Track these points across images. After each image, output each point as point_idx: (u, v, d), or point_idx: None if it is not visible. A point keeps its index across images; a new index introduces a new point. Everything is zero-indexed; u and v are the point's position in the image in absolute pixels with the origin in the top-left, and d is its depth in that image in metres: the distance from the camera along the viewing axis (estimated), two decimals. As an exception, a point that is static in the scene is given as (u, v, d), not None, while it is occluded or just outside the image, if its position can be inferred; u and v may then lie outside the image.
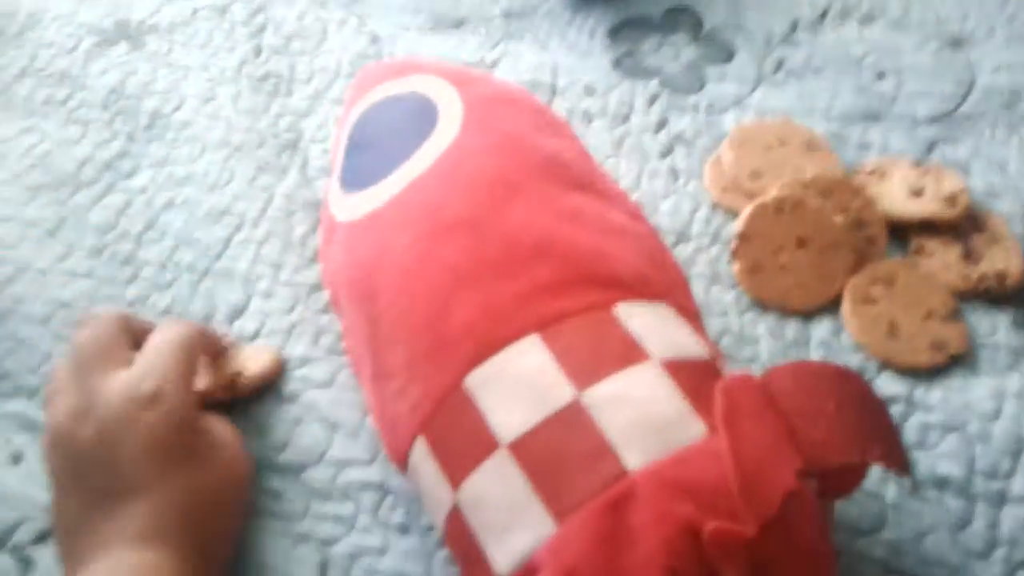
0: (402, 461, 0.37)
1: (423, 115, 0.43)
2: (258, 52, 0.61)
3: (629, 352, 0.33)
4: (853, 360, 0.46)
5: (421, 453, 0.36)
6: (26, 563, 0.40)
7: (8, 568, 0.39)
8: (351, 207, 0.42)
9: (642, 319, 0.35)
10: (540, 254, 0.36)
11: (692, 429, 0.31)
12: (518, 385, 0.33)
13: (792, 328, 0.47)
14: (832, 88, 0.59)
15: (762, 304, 0.48)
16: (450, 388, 0.35)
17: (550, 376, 0.33)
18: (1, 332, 0.47)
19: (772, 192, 0.50)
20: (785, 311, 0.48)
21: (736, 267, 0.49)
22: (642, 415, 0.32)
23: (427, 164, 0.40)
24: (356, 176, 0.43)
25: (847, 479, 0.35)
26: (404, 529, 0.41)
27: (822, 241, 0.49)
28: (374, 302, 0.39)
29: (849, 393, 0.32)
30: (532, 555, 0.30)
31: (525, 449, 0.32)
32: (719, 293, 0.49)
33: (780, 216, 0.49)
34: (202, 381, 0.44)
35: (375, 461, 0.43)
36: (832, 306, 0.48)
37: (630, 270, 0.37)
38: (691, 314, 0.38)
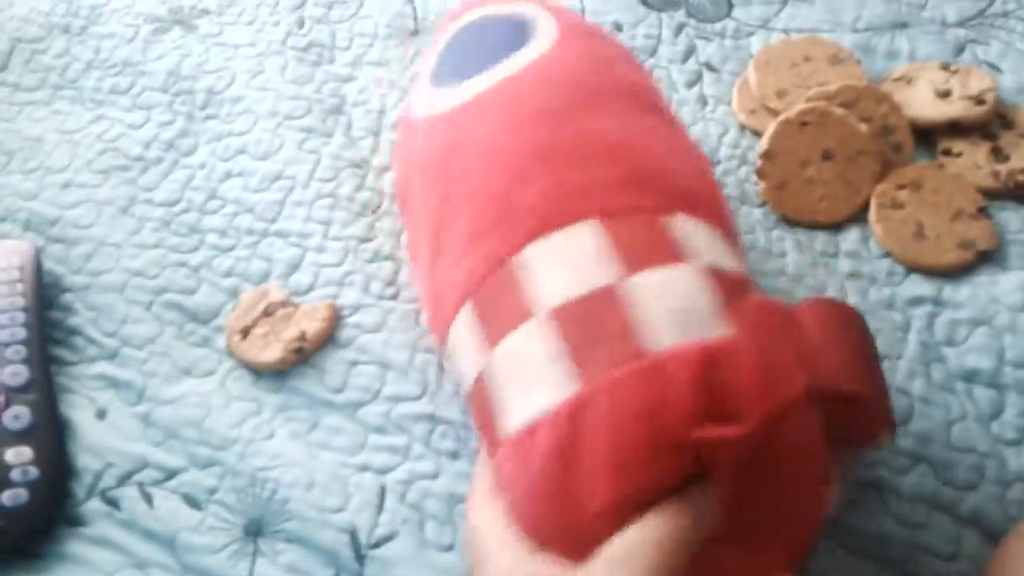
0: (444, 333, 0.40)
1: (519, 30, 0.46)
2: (301, 24, 0.65)
3: (675, 253, 0.35)
4: (880, 266, 0.47)
5: (465, 322, 0.38)
6: (112, 504, 0.44)
7: (97, 509, 0.44)
8: (438, 101, 0.45)
9: (692, 230, 0.37)
10: (610, 155, 0.39)
11: (717, 328, 0.33)
12: (570, 261, 0.36)
13: (820, 240, 0.48)
14: (859, 0, 0.58)
15: (789, 220, 0.49)
16: (506, 258, 0.37)
17: (601, 258, 0.35)
18: (83, 302, 0.52)
19: (796, 107, 0.50)
20: (813, 224, 0.49)
21: (762, 186, 0.50)
22: (677, 305, 0.33)
23: (518, 68, 0.43)
24: (448, 73, 0.46)
25: (860, 428, 0.36)
26: (455, 455, 0.44)
27: (848, 151, 0.49)
28: (448, 179, 0.41)
29: (862, 337, 0.34)
30: (549, 413, 0.33)
31: (565, 316, 0.34)
32: (747, 212, 0.50)
33: (804, 130, 0.50)
34: (272, 352, 0.48)
35: (425, 395, 0.46)
36: (860, 215, 0.49)
37: (688, 187, 0.39)
38: (734, 238, 0.40)
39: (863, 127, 0.49)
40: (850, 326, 0.34)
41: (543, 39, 0.44)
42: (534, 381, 0.34)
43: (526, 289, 0.36)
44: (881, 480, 0.41)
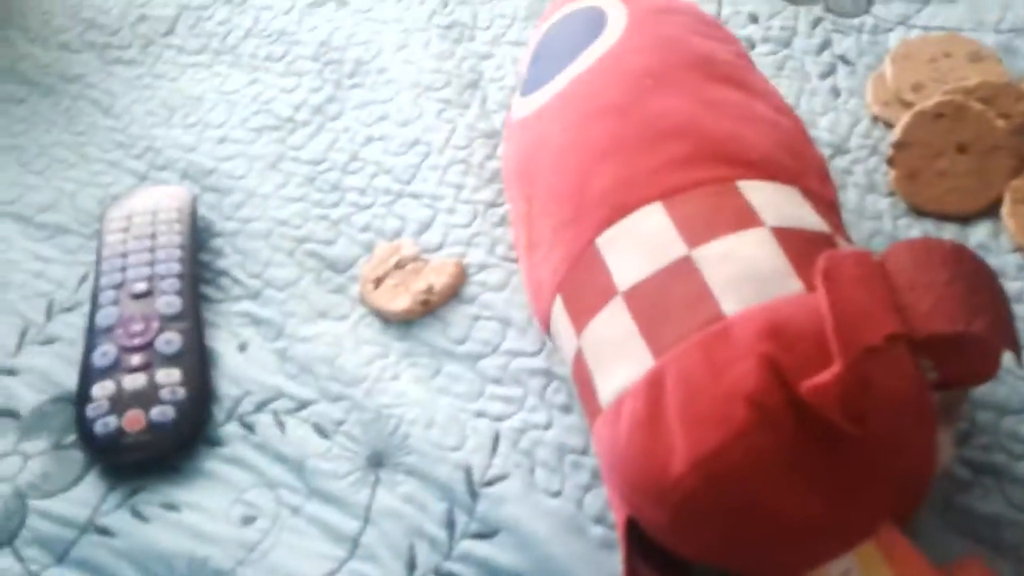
0: (546, 321, 0.42)
1: (592, 24, 0.48)
2: (445, 3, 0.68)
3: (743, 219, 0.36)
4: (1010, 260, 0.47)
5: (559, 310, 0.41)
6: (248, 428, 0.48)
7: (234, 432, 0.47)
8: (526, 107, 0.48)
9: (763, 194, 0.38)
10: (677, 134, 0.40)
11: (790, 284, 0.34)
12: (638, 243, 0.38)
13: (949, 232, 0.48)
14: (1004, 1, 0.58)
15: (919, 210, 0.49)
16: (584, 249, 0.39)
17: (666, 236, 0.37)
18: (231, 246, 0.55)
19: (933, 99, 0.50)
20: (943, 216, 0.49)
21: (893, 174, 0.50)
22: (744, 269, 0.35)
23: (588, 63, 0.45)
24: (532, 81, 0.49)
25: (975, 364, 0.36)
26: (567, 409, 0.46)
27: (983, 145, 0.49)
28: (532, 182, 0.44)
29: (962, 269, 0.33)
30: (630, 387, 0.34)
31: (636, 296, 0.36)
32: (874, 200, 0.50)
33: (940, 122, 0.50)
34: (401, 302, 0.50)
35: (542, 352, 0.48)
36: (991, 210, 0.49)
37: (761, 153, 0.40)
38: (824, 201, 0.40)
39: (1000, 123, 0.49)
40: (947, 262, 0.33)
41: (613, 29, 0.46)
42: (615, 360, 0.36)
43: (602, 276, 0.38)
44: (997, 465, 0.41)
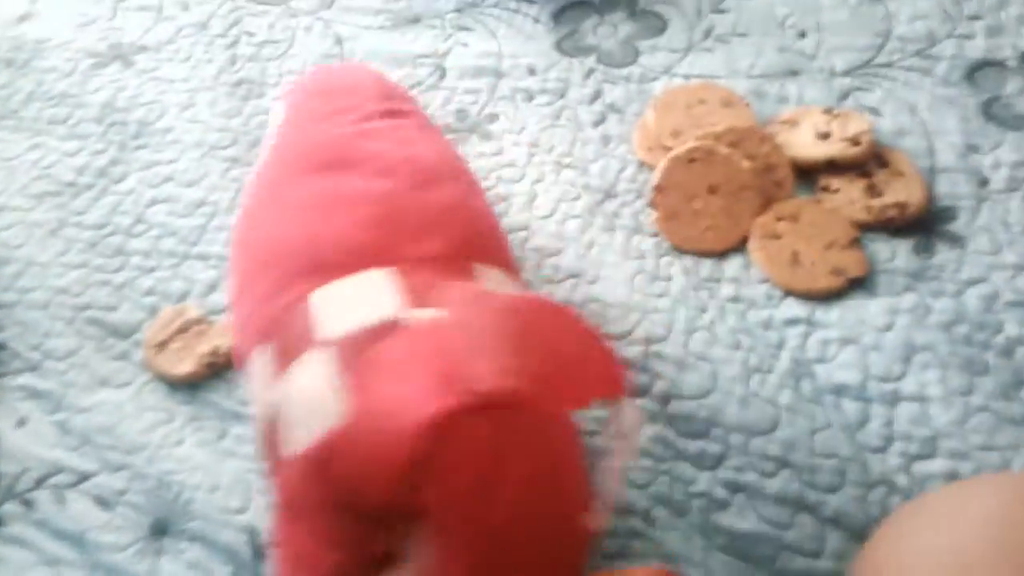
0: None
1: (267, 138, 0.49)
2: (233, 61, 0.68)
3: (303, 342, 0.37)
4: (759, 290, 0.50)
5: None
6: (27, 505, 0.46)
7: (14, 511, 0.46)
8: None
9: (330, 300, 0.38)
10: (272, 261, 0.40)
11: (333, 409, 0.34)
12: (254, 398, 0.39)
13: (706, 267, 0.52)
14: (756, 50, 0.63)
15: (679, 248, 0.53)
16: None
17: (262, 382, 0.38)
18: (9, 319, 0.54)
19: (686, 145, 0.54)
20: (700, 252, 0.52)
21: (654, 216, 0.53)
22: (298, 406, 0.35)
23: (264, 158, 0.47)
24: None
25: (590, 389, 0.35)
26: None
27: (731, 186, 0.53)
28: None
29: (524, 323, 0.34)
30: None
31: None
32: (639, 240, 0.53)
33: (693, 166, 0.53)
34: (186, 365, 0.50)
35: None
36: (743, 246, 0.52)
37: (334, 252, 0.39)
38: (426, 256, 0.39)
39: (746, 164, 0.53)
40: (504, 318, 0.33)
41: (265, 146, 0.48)
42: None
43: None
44: (749, 483, 0.44)
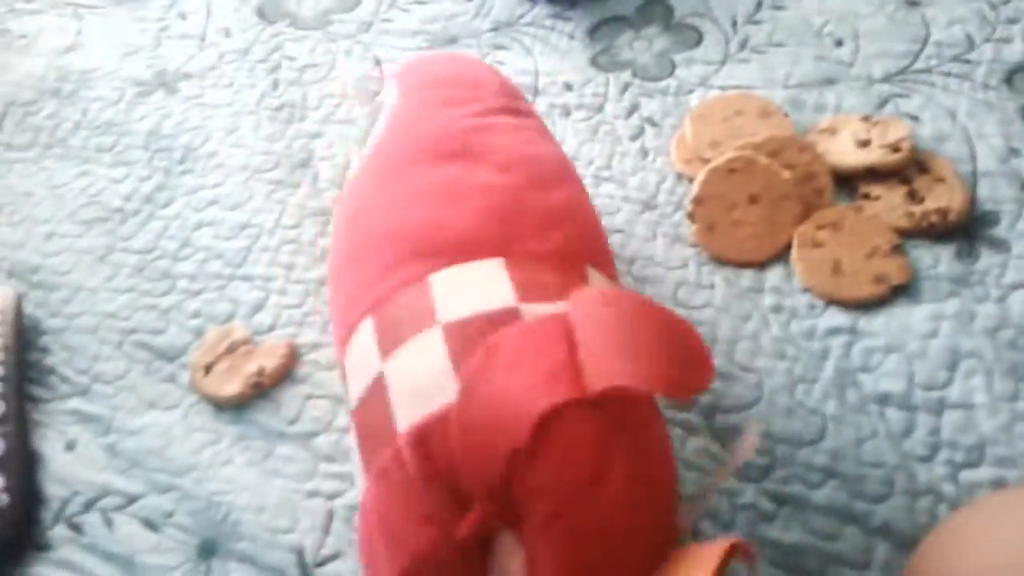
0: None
1: (374, 121, 0.50)
2: (275, 86, 0.69)
3: (422, 320, 0.37)
4: (801, 300, 0.50)
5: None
6: (76, 529, 0.47)
7: (63, 534, 0.47)
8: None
9: (450, 283, 0.38)
10: (386, 240, 0.40)
11: (447, 392, 0.34)
12: (356, 363, 0.39)
13: (747, 277, 0.52)
14: (792, 59, 0.63)
15: (719, 259, 0.53)
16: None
17: (369, 352, 0.38)
18: (58, 344, 0.55)
19: (725, 156, 0.54)
20: (741, 263, 0.52)
21: (693, 228, 0.53)
22: (411, 382, 0.35)
23: (358, 170, 0.46)
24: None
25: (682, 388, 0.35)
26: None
27: (771, 195, 0.53)
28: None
29: (645, 323, 0.34)
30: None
31: (358, 415, 0.37)
32: (680, 250, 0.53)
33: (732, 176, 0.53)
34: (232, 386, 0.51)
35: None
36: (784, 255, 0.52)
37: (456, 235, 0.39)
38: (541, 254, 0.40)
39: (786, 174, 0.53)
40: (628, 317, 0.34)
41: (381, 123, 0.48)
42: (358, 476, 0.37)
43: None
44: (795, 494, 0.44)
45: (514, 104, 0.48)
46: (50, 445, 0.50)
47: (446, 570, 0.33)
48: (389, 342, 0.37)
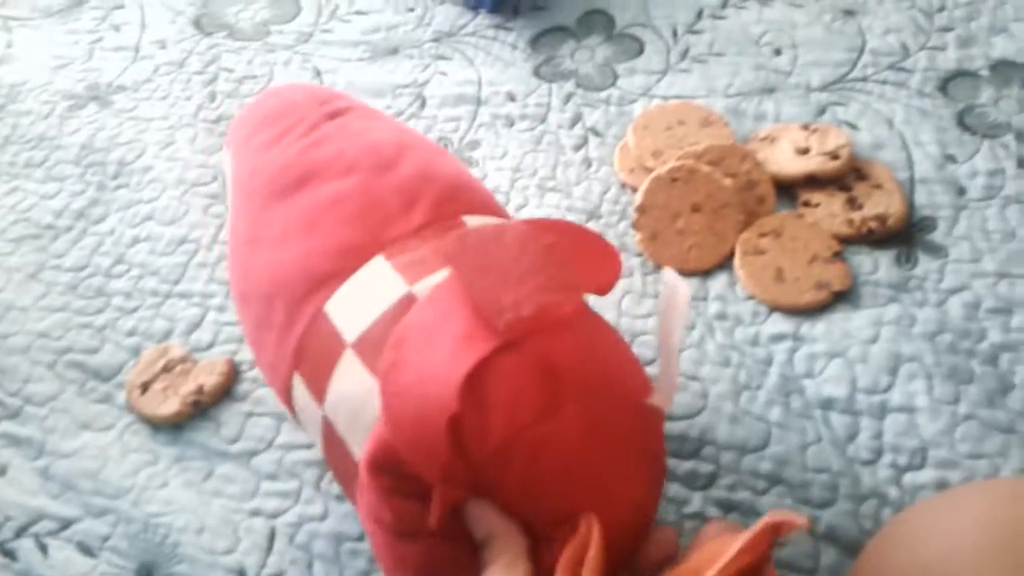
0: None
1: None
2: (212, 98, 0.68)
3: (333, 351, 0.37)
4: (745, 307, 0.50)
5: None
6: (9, 555, 0.45)
7: (-3, 560, 0.45)
8: None
9: (344, 303, 0.38)
10: (275, 294, 0.40)
11: (375, 400, 0.34)
12: (305, 421, 0.39)
13: (691, 286, 0.52)
14: (732, 68, 0.63)
15: (663, 267, 0.53)
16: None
17: (308, 404, 0.39)
18: (-11, 364, 0.53)
19: (667, 165, 0.54)
20: (685, 271, 0.52)
21: (638, 237, 0.53)
22: (348, 408, 0.36)
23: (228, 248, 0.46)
24: None
25: (595, 280, 0.36)
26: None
27: (714, 204, 0.53)
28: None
29: (522, 244, 0.34)
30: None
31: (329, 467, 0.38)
32: (626, 259, 0.53)
33: (675, 185, 0.53)
34: (170, 405, 0.49)
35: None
36: (727, 263, 0.52)
37: (325, 263, 0.39)
38: (411, 230, 0.40)
39: (728, 182, 0.53)
40: (496, 239, 0.34)
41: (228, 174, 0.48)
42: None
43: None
44: (742, 501, 0.44)
45: (333, 108, 0.48)
46: (-21, 470, 0.49)
47: (453, 563, 0.33)
48: (318, 387, 0.37)
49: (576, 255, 0.34)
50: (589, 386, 0.33)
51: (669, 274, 0.34)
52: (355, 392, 0.35)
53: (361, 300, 0.37)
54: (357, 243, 0.39)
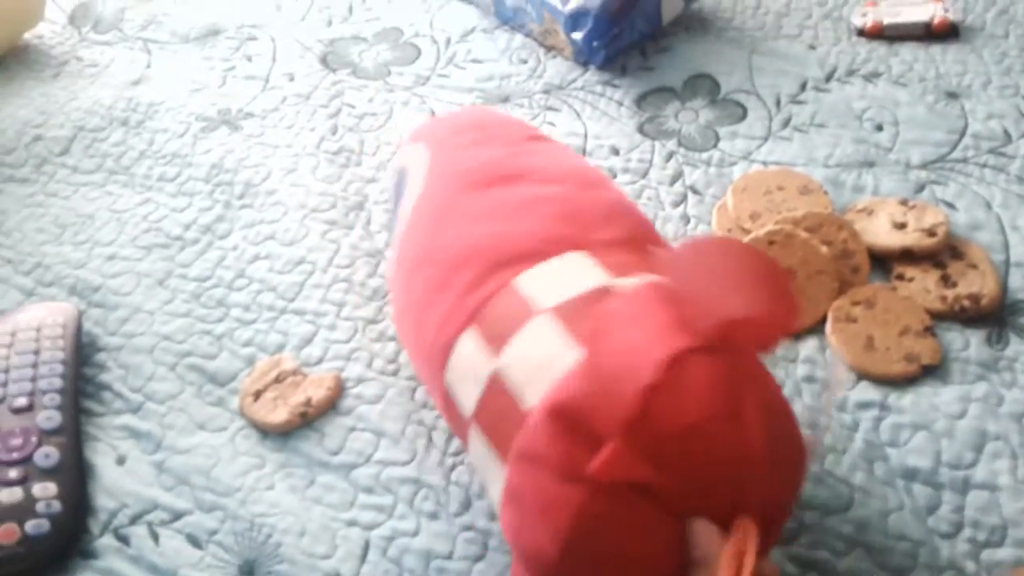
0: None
1: (399, 184, 0.54)
2: (335, 130, 0.72)
3: (524, 312, 0.40)
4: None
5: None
6: (123, 540, 0.49)
7: (109, 544, 0.48)
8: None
9: (536, 280, 0.41)
10: (467, 261, 0.44)
11: (568, 356, 0.37)
12: (465, 375, 0.41)
13: (781, 346, 0.54)
14: (833, 140, 0.65)
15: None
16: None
17: (477, 358, 0.41)
18: (115, 362, 0.57)
19: (765, 228, 0.56)
20: (776, 332, 0.54)
21: (732, 295, 0.55)
22: (530, 362, 0.38)
23: (404, 225, 0.50)
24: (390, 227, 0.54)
25: (767, 334, 0.37)
26: (434, 516, 0.48)
27: (809, 270, 0.55)
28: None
29: (739, 260, 0.36)
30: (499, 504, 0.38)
31: (481, 421, 0.40)
32: (717, 318, 0.55)
33: (771, 248, 0.56)
34: (279, 414, 0.53)
35: (413, 462, 0.51)
36: (819, 328, 0.54)
37: (529, 242, 0.43)
38: (616, 240, 0.43)
39: (824, 249, 0.55)
40: (721, 256, 0.36)
41: (414, 185, 0.52)
42: (485, 477, 0.40)
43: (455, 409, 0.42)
44: (821, 560, 0.45)
45: (535, 133, 0.53)
46: (101, 458, 0.52)
47: (610, 526, 0.35)
48: (496, 341, 0.40)
49: (769, 285, 0.36)
50: (766, 403, 0.36)
51: (839, 369, 0.37)
52: (540, 347, 0.38)
53: (558, 279, 0.41)
54: (562, 235, 0.43)
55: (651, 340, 0.35)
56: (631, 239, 0.44)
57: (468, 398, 0.41)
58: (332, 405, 0.54)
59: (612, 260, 0.41)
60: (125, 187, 0.70)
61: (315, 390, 0.54)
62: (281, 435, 0.53)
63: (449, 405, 0.43)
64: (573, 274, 0.41)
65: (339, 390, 0.55)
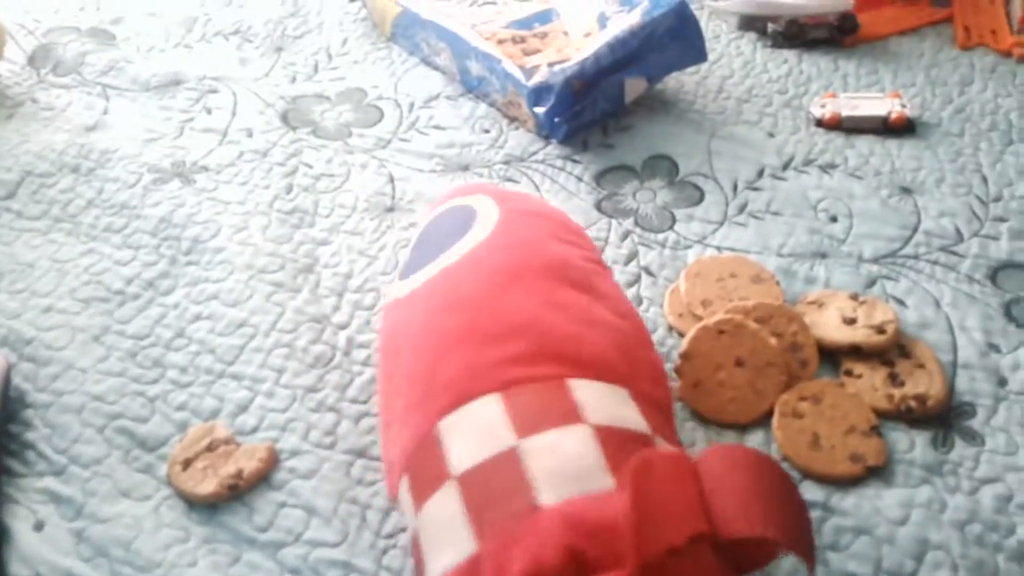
0: (395, 499, 0.45)
1: (464, 221, 0.53)
2: (289, 189, 0.71)
3: (568, 415, 0.40)
4: (778, 468, 0.51)
5: (404, 489, 0.43)
6: (37, 613, 0.47)
7: (22, 616, 0.46)
8: (401, 289, 0.51)
9: (590, 392, 0.42)
10: (521, 331, 0.44)
11: (602, 481, 0.37)
12: (474, 430, 0.41)
13: (728, 438, 0.53)
14: (787, 229, 0.65)
15: (702, 417, 0.54)
16: (427, 432, 0.42)
17: (499, 426, 0.40)
18: (41, 420, 0.55)
19: (716, 316, 0.56)
20: (722, 423, 0.53)
21: (679, 383, 0.55)
22: (562, 463, 0.38)
23: (456, 257, 0.50)
24: (410, 266, 0.53)
25: (759, 553, 0.38)
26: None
27: (757, 361, 0.54)
28: (394, 361, 0.48)
29: (770, 480, 0.36)
30: (453, 570, 0.37)
31: (468, 481, 0.39)
32: (663, 405, 0.55)
33: (721, 338, 0.55)
34: (208, 485, 0.51)
35: (344, 543, 0.49)
36: (765, 421, 0.53)
37: (594, 354, 0.44)
38: (653, 402, 0.45)
39: (773, 341, 0.55)
40: (750, 468, 0.36)
41: (483, 227, 0.51)
42: (444, 542, 0.39)
43: (439, 459, 0.41)
44: (754, 669, 0.44)
45: (596, 256, 0.55)
46: (19, 523, 0.50)
47: None
48: (528, 423, 0.40)
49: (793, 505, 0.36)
50: None
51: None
52: (576, 456, 0.38)
53: (607, 404, 0.42)
54: (615, 367, 0.44)
55: (678, 510, 0.35)
56: (665, 406, 0.46)
57: (467, 453, 0.40)
58: (264, 478, 0.52)
59: (651, 414, 0.43)
60: (69, 235, 0.68)
61: (247, 461, 0.52)
62: (208, 507, 0.51)
63: (428, 449, 0.42)
64: (621, 409, 0.42)
65: (272, 462, 0.53)
